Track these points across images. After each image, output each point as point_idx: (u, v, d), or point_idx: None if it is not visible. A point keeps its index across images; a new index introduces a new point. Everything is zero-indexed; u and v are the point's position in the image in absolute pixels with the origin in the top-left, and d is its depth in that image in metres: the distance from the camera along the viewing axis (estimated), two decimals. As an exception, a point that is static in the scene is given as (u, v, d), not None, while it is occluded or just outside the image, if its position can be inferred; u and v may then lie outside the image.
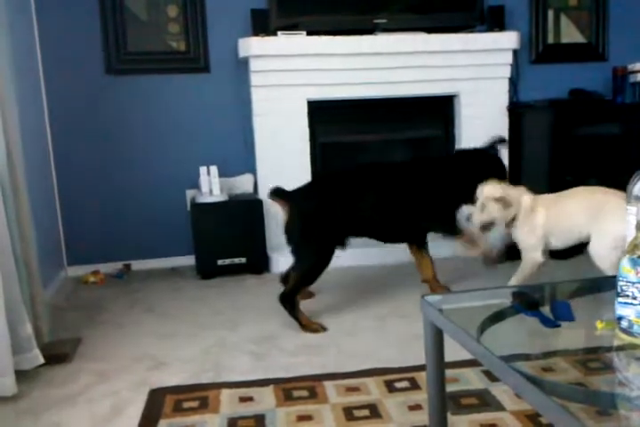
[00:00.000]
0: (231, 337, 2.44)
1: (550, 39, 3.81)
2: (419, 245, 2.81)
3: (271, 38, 3.27)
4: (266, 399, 1.90)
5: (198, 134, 3.54)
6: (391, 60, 3.40)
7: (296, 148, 3.41)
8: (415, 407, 1.80)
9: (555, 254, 3.35)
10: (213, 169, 3.30)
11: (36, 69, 3.25)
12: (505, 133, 3.61)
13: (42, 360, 2.12)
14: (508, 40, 3.49)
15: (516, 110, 3.60)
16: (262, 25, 3.31)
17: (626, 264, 1.13)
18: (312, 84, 3.38)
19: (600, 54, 3.87)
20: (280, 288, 2.61)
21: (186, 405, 1.89)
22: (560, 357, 1.23)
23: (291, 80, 3.35)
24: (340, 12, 3.40)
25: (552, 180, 3.42)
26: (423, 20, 3.47)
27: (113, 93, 3.41)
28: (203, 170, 3.31)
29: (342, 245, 2.61)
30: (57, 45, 3.31)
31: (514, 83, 3.69)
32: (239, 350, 2.31)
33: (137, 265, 3.54)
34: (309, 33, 3.30)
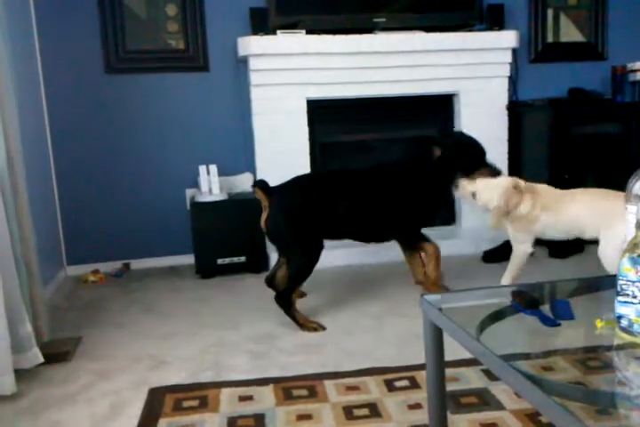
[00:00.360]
0: (231, 336, 2.44)
1: (550, 38, 3.81)
2: (407, 246, 2.80)
3: (270, 37, 3.26)
4: (265, 399, 1.90)
5: (198, 133, 3.53)
6: (390, 59, 3.40)
7: (295, 146, 3.41)
8: (415, 406, 1.80)
9: (554, 253, 3.36)
10: (213, 168, 3.30)
11: (35, 68, 3.25)
12: (504, 132, 3.62)
13: (41, 359, 2.12)
14: (508, 39, 3.49)
15: (516, 109, 3.60)
16: (261, 24, 3.31)
17: (626, 263, 1.13)
18: (311, 83, 3.38)
19: (599, 53, 3.87)
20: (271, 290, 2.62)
21: (185, 404, 1.89)
22: (560, 356, 1.23)
23: (290, 79, 3.35)
24: (339, 11, 3.39)
25: (551, 178, 3.42)
26: (422, 18, 3.47)
27: (112, 92, 3.41)
28: (202, 169, 3.31)
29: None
30: (56, 44, 3.31)
31: (513, 82, 3.69)
32: (239, 349, 2.32)
33: (136, 264, 3.54)
34: (308, 32, 3.30)
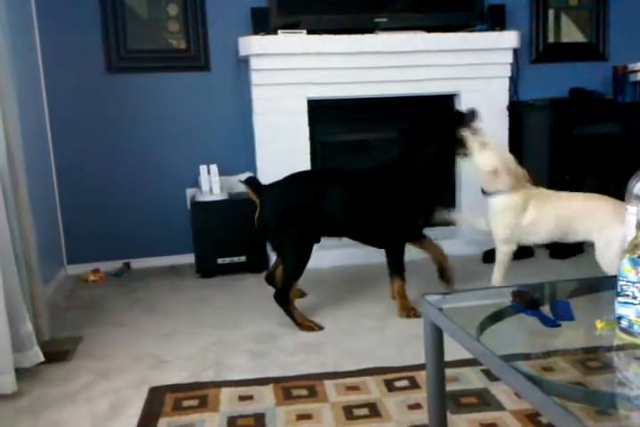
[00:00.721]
0: (231, 336, 2.45)
1: (551, 38, 3.81)
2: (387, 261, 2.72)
3: (271, 37, 3.26)
4: (265, 398, 1.90)
5: (198, 133, 3.54)
6: (391, 59, 3.40)
7: (296, 146, 3.41)
8: (415, 406, 1.80)
9: (554, 254, 3.35)
10: (213, 168, 3.31)
11: (36, 68, 3.25)
12: (505, 132, 3.62)
13: (42, 358, 2.12)
14: (509, 39, 3.49)
15: (517, 109, 3.60)
16: (262, 24, 3.31)
17: (626, 264, 1.13)
18: (312, 82, 3.38)
19: (600, 54, 3.87)
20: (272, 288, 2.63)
21: (185, 403, 1.89)
22: (560, 356, 1.23)
23: (291, 79, 3.35)
24: (340, 10, 3.40)
25: (552, 179, 3.42)
26: (424, 19, 3.47)
27: (113, 92, 3.41)
28: (203, 168, 3.31)
29: (317, 240, 2.65)
30: (57, 44, 3.31)
31: (514, 82, 3.69)
32: (239, 348, 2.32)
33: (137, 264, 3.54)
34: (310, 32, 3.30)
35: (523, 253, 3.09)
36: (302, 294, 2.84)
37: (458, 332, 1.21)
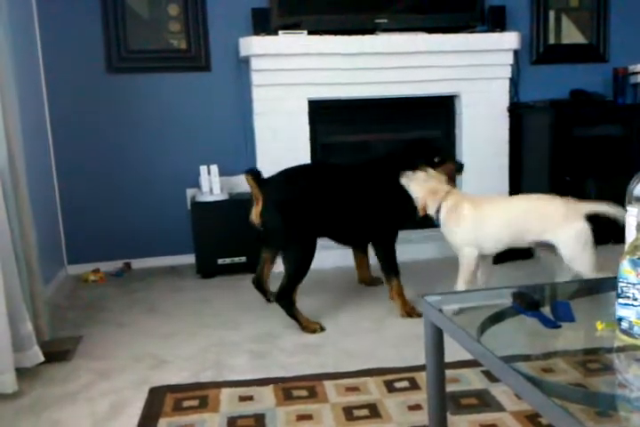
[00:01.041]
0: (231, 336, 2.45)
1: (551, 40, 3.81)
2: (379, 260, 2.73)
3: (272, 37, 3.27)
4: (265, 399, 1.90)
5: (199, 133, 3.54)
6: (392, 60, 3.40)
7: (297, 147, 3.41)
8: (415, 407, 1.80)
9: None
10: (214, 168, 3.31)
11: (37, 68, 3.26)
12: (505, 134, 3.62)
13: (42, 358, 2.12)
14: (509, 40, 3.50)
15: (517, 111, 3.60)
16: (263, 24, 3.31)
17: (626, 265, 1.13)
18: (313, 83, 3.38)
19: (601, 55, 3.87)
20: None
21: (186, 404, 1.89)
22: (560, 357, 1.23)
23: (291, 79, 3.35)
24: (341, 11, 3.40)
25: (552, 180, 3.42)
26: (424, 20, 3.47)
27: (114, 92, 3.41)
28: (203, 169, 3.31)
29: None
30: (58, 44, 3.31)
31: (514, 83, 3.69)
32: (239, 349, 2.32)
33: (137, 264, 3.54)
34: (310, 32, 3.30)
35: (522, 254, 3.08)
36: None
37: (458, 333, 1.21)
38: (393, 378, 2.00)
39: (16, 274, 2.04)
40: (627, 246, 1.18)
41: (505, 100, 3.61)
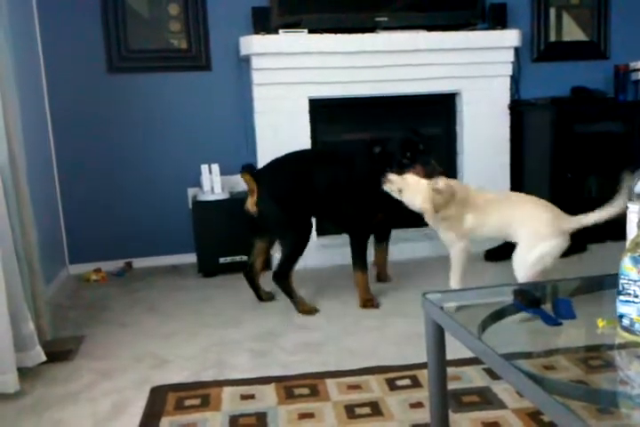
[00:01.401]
0: (233, 335, 2.45)
1: (552, 37, 3.80)
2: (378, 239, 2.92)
3: (272, 36, 3.26)
4: (267, 397, 1.90)
5: (200, 132, 3.54)
6: (393, 58, 3.40)
7: (298, 146, 3.39)
8: (416, 405, 1.80)
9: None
10: (215, 167, 3.31)
11: (37, 68, 3.26)
12: (506, 131, 3.62)
13: (44, 358, 2.12)
14: (510, 38, 3.49)
15: (518, 108, 3.60)
16: (263, 23, 3.31)
17: (627, 262, 1.13)
18: (313, 82, 3.38)
19: (602, 52, 3.86)
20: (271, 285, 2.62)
21: (187, 402, 1.89)
22: (561, 355, 1.23)
23: (292, 78, 3.35)
24: (341, 10, 3.39)
25: (553, 178, 3.42)
26: (425, 17, 3.47)
27: (114, 92, 3.41)
28: (204, 168, 3.31)
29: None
30: (58, 44, 3.31)
31: (515, 81, 3.68)
32: (241, 347, 2.32)
33: (138, 263, 3.54)
34: (311, 31, 3.29)
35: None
36: (270, 298, 2.86)
37: (459, 330, 1.21)
38: (394, 376, 2.00)
39: (17, 274, 2.04)
40: (628, 243, 1.18)
41: (506, 98, 3.60)
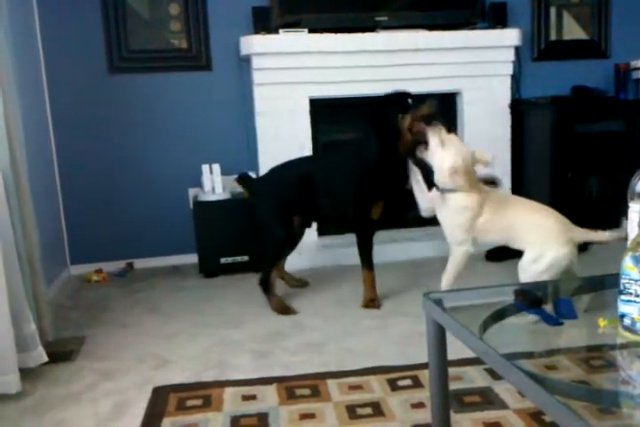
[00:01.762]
0: (234, 336, 2.45)
1: (552, 36, 3.80)
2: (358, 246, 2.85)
3: (273, 36, 3.26)
4: (269, 398, 1.90)
5: (200, 133, 3.54)
6: (393, 58, 3.39)
7: (298, 145, 3.41)
8: (418, 405, 1.80)
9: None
10: (216, 167, 3.31)
11: (38, 68, 3.26)
12: (507, 131, 3.61)
13: (46, 358, 2.12)
14: (510, 37, 3.49)
15: (518, 107, 3.59)
16: (264, 23, 3.31)
17: (629, 262, 1.13)
18: (314, 81, 3.37)
19: (602, 51, 3.86)
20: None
21: (189, 403, 1.89)
22: (563, 355, 1.23)
23: (293, 78, 3.35)
24: (341, 9, 3.39)
25: (554, 177, 3.41)
26: (424, 17, 3.46)
27: (115, 92, 3.41)
28: (205, 168, 3.31)
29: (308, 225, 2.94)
30: (59, 44, 3.31)
31: (516, 80, 3.68)
32: (242, 348, 2.32)
33: (140, 264, 3.54)
34: (311, 31, 3.29)
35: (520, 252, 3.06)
36: (304, 284, 2.99)
37: (461, 330, 1.21)
38: (396, 376, 2.00)
39: (19, 274, 2.05)
40: (629, 243, 1.17)
41: (506, 97, 3.60)
